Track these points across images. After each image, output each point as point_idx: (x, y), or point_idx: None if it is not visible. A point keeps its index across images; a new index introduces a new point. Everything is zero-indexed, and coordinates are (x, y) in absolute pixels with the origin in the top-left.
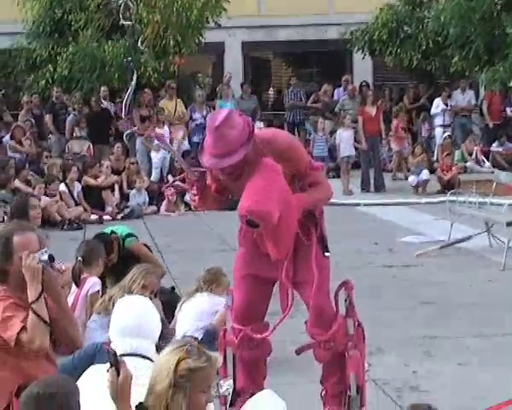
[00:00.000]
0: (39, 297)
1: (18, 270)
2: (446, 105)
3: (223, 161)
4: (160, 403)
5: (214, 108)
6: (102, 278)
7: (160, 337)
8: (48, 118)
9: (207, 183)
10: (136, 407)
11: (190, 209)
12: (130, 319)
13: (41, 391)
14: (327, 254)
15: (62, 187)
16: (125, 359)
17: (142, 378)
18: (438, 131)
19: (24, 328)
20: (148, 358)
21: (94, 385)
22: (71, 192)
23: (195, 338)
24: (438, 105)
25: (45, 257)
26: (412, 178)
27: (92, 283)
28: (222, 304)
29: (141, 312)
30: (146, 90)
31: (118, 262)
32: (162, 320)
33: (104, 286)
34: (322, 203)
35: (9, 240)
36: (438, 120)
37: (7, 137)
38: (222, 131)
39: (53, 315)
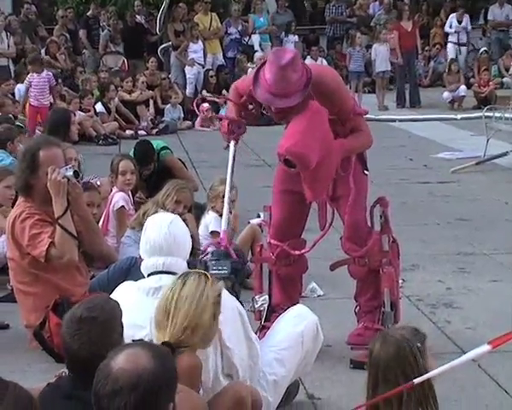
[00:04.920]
0: (65, 212)
1: (43, 184)
2: (460, 23)
3: (279, 100)
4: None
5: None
6: (135, 190)
7: (191, 254)
8: (82, 33)
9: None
10: (163, 343)
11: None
12: (160, 237)
13: (83, 314)
14: (366, 172)
15: (100, 107)
16: (156, 275)
17: None
18: (450, 48)
19: (52, 243)
20: None
21: (123, 302)
22: (108, 110)
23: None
24: (451, 23)
25: (70, 173)
26: (446, 94)
27: (117, 198)
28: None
29: (170, 230)
30: (180, 4)
31: (152, 175)
32: (192, 236)
33: (135, 198)
34: (361, 151)
35: (36, 154)
36: (452, 38)
37: (42, 52)
38: (286, 72)
39: (79, 229)
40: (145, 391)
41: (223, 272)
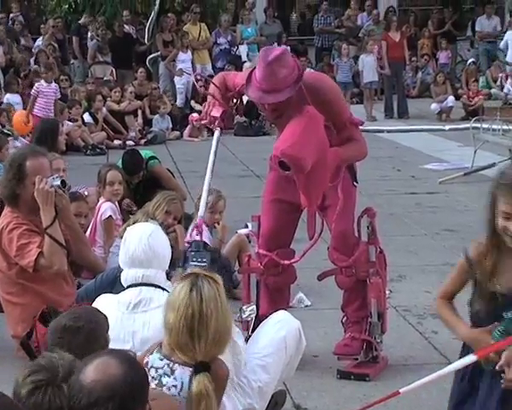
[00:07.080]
0: (54, 222)
1: (30, 194)
2: None
3: (269, 96)
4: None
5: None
6: (121, 198)
7: (170, 265)
8: (75, 40)
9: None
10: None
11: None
12: (139, 250)
13: (68, 323)
14: (355, 183)
15: (87, 117)
16: (136, 288)
17: (153, 304)
18: None
19: (41, 253)
20: (159, 286)
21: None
22: (96, 120)
23: None
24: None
25: (57, 182)
26: (434, 106)
27: (104, 208)
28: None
29: (150, 243)
30: (169, 14)
31: (139, 184)
32: (173, 247)
33: (122, 206)
34: (355, 161)
35: (22, 164)
36: None
37: (31, 62)
38: (274, 68)
39: (66, 238)
40: (121, 398)
41: (202, 263)
